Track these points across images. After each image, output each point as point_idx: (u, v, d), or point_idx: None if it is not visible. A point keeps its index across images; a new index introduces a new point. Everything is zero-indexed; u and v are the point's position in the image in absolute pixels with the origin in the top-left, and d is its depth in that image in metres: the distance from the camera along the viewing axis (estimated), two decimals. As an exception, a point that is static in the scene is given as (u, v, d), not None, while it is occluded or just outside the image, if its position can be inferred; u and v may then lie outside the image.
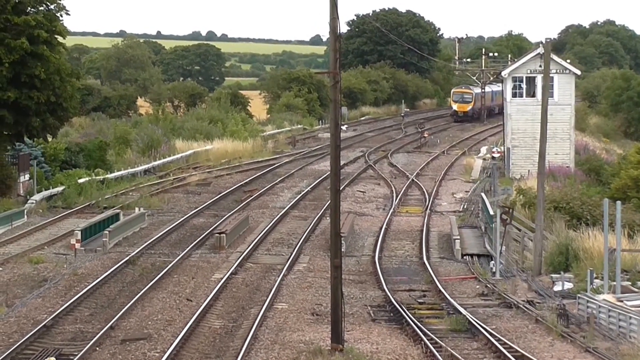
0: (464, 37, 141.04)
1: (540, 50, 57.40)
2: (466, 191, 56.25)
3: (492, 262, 35.73)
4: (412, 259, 37.84)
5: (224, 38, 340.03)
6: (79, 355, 23.70)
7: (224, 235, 38.93)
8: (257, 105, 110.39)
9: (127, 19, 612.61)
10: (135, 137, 68.13)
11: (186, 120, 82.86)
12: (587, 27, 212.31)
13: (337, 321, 24.62)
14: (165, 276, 33.21)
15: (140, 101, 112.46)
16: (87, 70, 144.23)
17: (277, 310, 29.06)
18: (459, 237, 39.68)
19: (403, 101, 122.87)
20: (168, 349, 24.27)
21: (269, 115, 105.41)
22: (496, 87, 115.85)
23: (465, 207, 50.46)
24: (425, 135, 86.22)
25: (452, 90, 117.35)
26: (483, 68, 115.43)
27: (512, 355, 23.97)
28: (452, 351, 24.19)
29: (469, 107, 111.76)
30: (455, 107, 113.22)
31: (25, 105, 44.42)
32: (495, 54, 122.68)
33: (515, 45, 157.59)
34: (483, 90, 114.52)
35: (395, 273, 35.00)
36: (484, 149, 76.78)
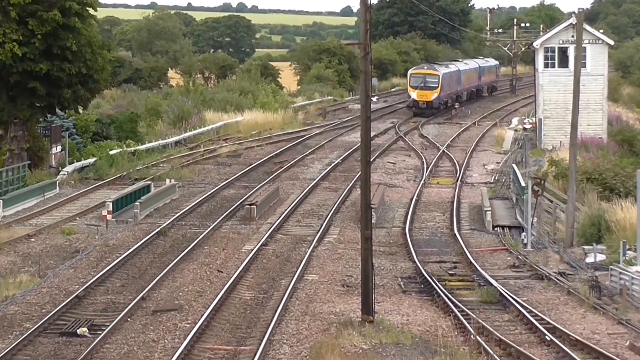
0: (496, 7, 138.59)
1: (573, 20, 56.67)
2: (497, 162, 55.89)
3: (524, 233, 35.50)
4: (443, 230, 37.69)
5: (255, 9, 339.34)
6: (110, 326, 23.85)
7: (255, 206, 38.88)
8: (288, 76, 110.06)
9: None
10: (166, 109, 68.11)
11: (217, 91, 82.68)
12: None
13: (367, 293, 24.60)
14: (195, 247, 33.25)
15: (171, 73, 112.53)
16: (118, 42, 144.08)
17: (307, 281, 29.04)
18: (490, 208, 39.39)
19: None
20: (199, 320, 24.35)
21: (299, 87, 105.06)
22: (482, 62, 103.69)
23: (496, 178, 50.13)
24: (456, 106, 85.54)
25: (410, 72, 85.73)
26: (515, 39, 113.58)
27: (543, 327, 23.89)
28: (483, 323, 24.10)
29: (433, 95, 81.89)
30: (414, 94, 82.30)
31: (57, 77, 44.47)
32: (527, 25, 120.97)
33: (547, 16, 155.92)
34: (514, 66, 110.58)
35: (426, 244, 34.88)
36: (515, 120, 76.08)
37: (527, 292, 28.06)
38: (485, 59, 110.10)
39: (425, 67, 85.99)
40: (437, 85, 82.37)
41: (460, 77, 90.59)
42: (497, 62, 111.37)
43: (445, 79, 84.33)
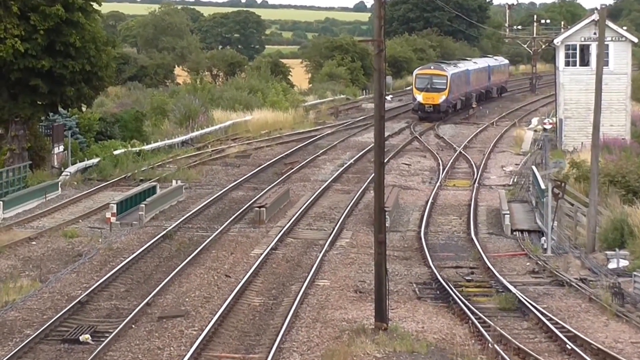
0: (515, 3, 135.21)
1: (595, 16, 56.12)
2: (516, 164, 55.69)
3: (543, 238, 35.07)
4: (460, 234, 37.39)
5: (264, 5, 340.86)
6: (114, 333, 23.69)
7: (264, 209, 38.62)
8: (299, 74, 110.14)
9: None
10: (172, 108, 68.05)
11: (225, 90, 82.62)
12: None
13: (381, 299, 24.48)
14: (203, 251, 33.05)
15: (177, 70, 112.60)
16: (123, 38, 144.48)
17: (318, 287, 28.86)
18: (508, 212, 39.01)
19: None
20: (206, 326, 24.23)
21: (310, 85, 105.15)
22: (492, 61, 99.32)
23: (515, 180, 49.82)
24: (474, 105, 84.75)
25: (415, 73, 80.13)
26: (535, 36, 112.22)
27: (564, 336, 23.59)
28: (501, 331, 23.87)
29: (440, 98, 76.52)
30: (419, 97, 76.78)
31: (60, 74, 44.24)
32: (548, 21, 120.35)
33: (568, 12, 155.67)
34: (534, 64, 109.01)
35: (442, 249, 34.62)
36: (535, 120, 75.86)
37: (547, 299, 27.78)
38: (495, 57, 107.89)
39: (432, 67, 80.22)
40: (445, 87, 76.96)
41: (469, 78, 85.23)
42: (507, 61, 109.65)
43: (454, 80, 78.78)
